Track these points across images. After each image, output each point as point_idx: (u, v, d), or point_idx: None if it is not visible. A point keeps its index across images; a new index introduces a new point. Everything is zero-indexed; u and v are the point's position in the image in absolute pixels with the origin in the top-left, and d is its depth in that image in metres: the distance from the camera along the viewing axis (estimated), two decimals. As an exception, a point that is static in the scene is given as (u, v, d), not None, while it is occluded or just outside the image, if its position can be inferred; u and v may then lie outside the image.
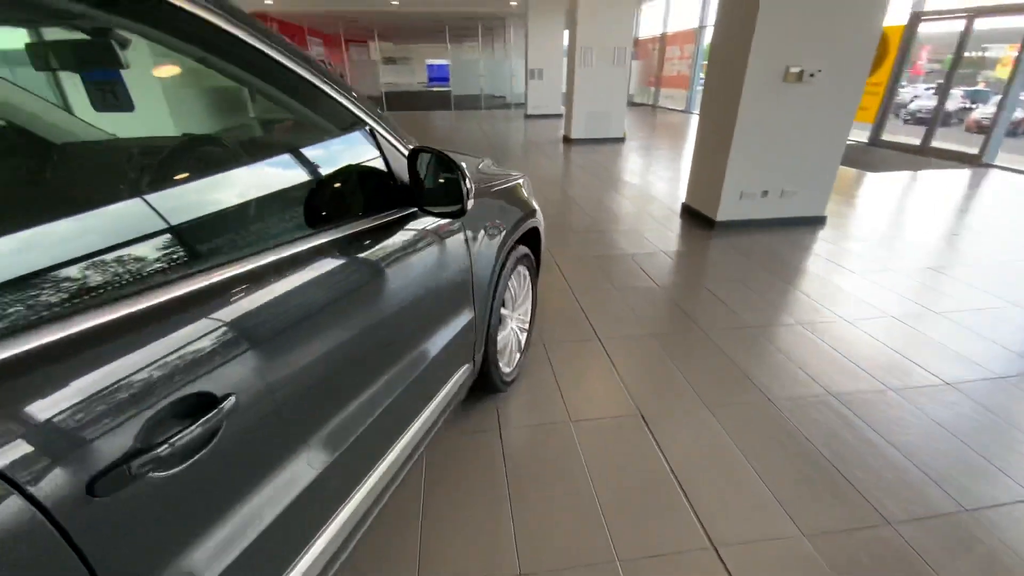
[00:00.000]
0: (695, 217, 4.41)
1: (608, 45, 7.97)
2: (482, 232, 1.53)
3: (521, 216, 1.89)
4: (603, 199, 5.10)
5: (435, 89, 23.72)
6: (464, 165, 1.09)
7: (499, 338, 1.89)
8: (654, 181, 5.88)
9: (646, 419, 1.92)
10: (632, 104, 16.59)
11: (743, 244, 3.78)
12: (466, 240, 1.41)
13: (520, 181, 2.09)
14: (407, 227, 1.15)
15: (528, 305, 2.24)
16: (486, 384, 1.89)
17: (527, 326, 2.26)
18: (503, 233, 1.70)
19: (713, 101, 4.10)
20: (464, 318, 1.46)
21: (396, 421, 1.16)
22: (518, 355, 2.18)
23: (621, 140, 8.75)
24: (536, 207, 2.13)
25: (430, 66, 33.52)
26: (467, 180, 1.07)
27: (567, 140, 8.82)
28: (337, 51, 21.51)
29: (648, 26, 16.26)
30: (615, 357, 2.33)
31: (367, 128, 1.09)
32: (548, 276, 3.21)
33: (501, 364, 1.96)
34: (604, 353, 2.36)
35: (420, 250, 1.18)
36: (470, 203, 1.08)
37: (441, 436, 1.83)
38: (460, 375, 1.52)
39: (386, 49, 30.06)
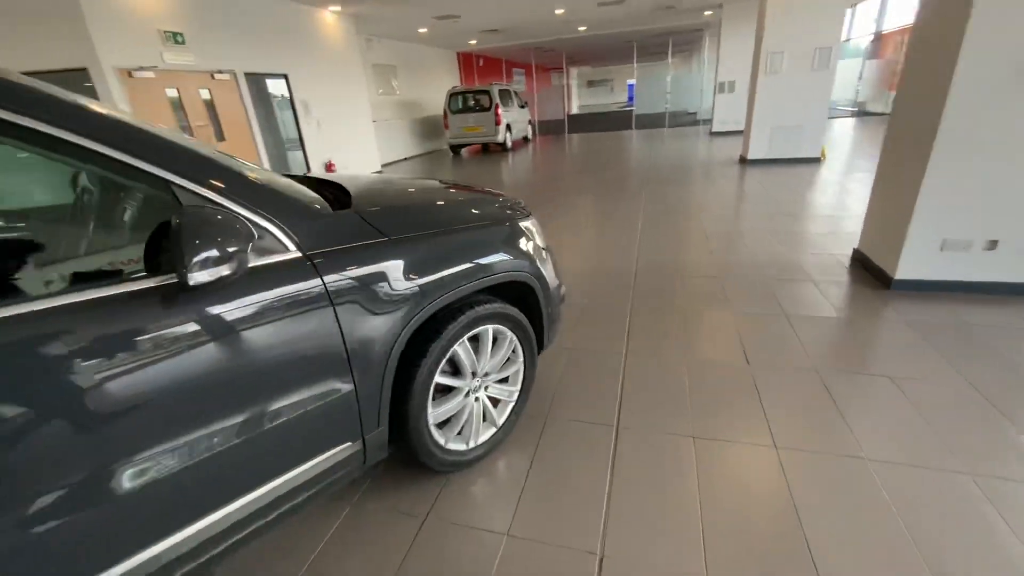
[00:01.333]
0: (867, 271, 3.18)
1: (806, 47, 6.51)
2: (376, 287, 1.29)
3: (484, 266, 1.58)
4: (749, 237, 4.12)
5: (618, 109, 23.24)
6: (194, 220, 0.91)
7: (441, 411, 1.62)
8: (834, 217, 4.51)
9: (603, 564, 1.38)
10: (861, 114, 13.39)
11: (929, 318, 2.54)
12: (329, 299, 1.20)
13: (520, 225, 1.77)
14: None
15: (517, 371, 1.88)
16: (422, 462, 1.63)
17: (512, 397, 1.89)
18: (437, 287, 1.42)
19: (905, 109, 2.90)
20: (332, 393, 1.25)
21: (184, 501, 1.03)
22: (492, 430, 1.84)
23: (816, 161, 7.05)
24: (528, 254, 1.77)
25: (631, 85, 33.29)
26: (188, 238, 0.88)
27: (743, 161, 7.53)
28: (539, 78, 23.10)
29: (900, 15, 12.90)
30: (621, 458, 1.77)
31: (163, 182, 0.98)
32: (607, 329, 2.69)
33: (446, 442, 1.66)
34: (610, 449, 1.82)
35: (228, 314, 1.03)
36: (195, 276, 0.88)
37: (367, 508, 1.64)
38: (334, 454, 1.31)
39: (585, 73, 30.97)
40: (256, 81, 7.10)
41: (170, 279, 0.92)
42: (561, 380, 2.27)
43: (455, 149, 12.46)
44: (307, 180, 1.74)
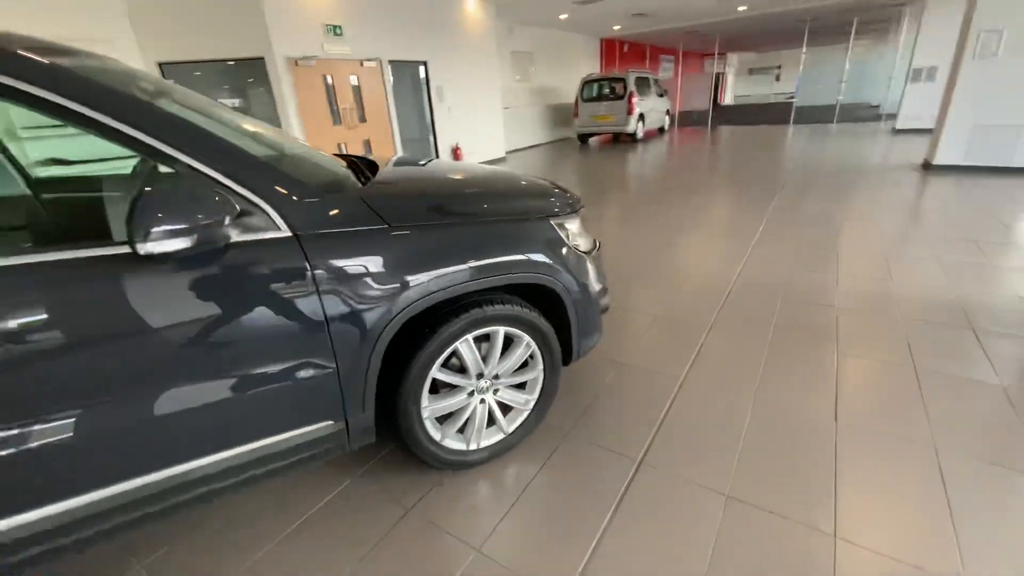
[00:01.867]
0: (1069, 327, 2.32)
1: (1043, 21, 4.93)
2: (366, 275, 1.28)
3: (493, 265, 1.48)
4: (900, 263, 3.30)
5: (783, 100, 20.30)
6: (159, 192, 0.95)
7: (440, 407, 1.58)
8: (1044, 247, 3.38)
9: (562, 617, 1.22)
10: None
11: None
12: (315, 282, 1.21)
13: (551, 223, 1.63)
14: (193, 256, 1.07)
15: (535, 379, 1.75)
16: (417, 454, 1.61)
17: (527, 406, 1.77)
18: (434, 282, 1.37)
19: None
20: (312, 371, 1.27)
21: (145, 452, 1.14)
22: (500, 436, 1.75)
23: (1040, 172, 5.36)
24: (555, 256, 1.62)
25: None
26: (142, 209, 0.92)
27: (927, 167, 6.07)
28: (691, 65, 21.45)
29: None
30: (631, 500, 1.55)
31: (165, 155, 1.07)
32: (671, 348, 2.38)
33: (441, 438, 1.62)
34: (623, 486, 1.60)
35: (193, 284, 1.08)
36: (145, 247, 0.92)
37: (364, 484, 1.69)
38: (314, 430, 1.35)
39: (747, 59, 27.81)
40: (398, 68, 7.72)
41: (123, 248, 1.00)
42: (599, 396, 2.07)
43: (583, 138, 12.19)
44: (347, 159, 1.81)
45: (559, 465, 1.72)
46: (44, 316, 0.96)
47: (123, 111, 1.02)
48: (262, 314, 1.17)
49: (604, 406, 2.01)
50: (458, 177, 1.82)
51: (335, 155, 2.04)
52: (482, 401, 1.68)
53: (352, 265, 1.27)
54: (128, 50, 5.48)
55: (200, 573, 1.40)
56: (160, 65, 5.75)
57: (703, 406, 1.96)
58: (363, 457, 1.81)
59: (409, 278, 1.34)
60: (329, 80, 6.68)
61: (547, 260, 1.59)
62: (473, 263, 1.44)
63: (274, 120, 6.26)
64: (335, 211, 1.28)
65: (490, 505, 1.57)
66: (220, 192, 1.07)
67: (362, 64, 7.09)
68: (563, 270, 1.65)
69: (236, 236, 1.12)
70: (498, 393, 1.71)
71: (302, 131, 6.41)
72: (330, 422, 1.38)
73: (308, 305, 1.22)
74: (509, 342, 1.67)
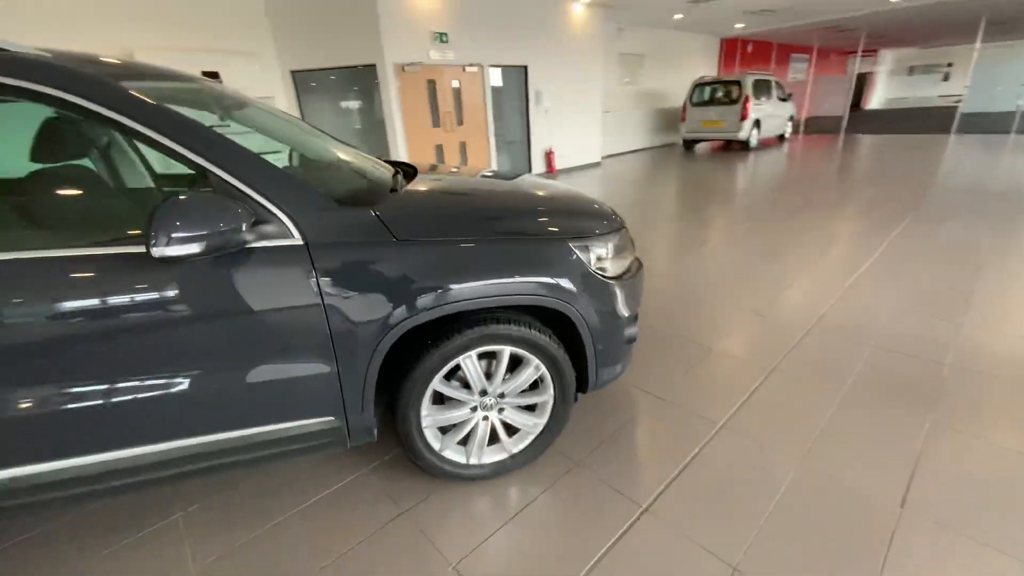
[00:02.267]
0: None
1: None
2: (369, 286, 1.34)
3: (500, 285, 1.46)
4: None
5: (950, 104, 17.00)
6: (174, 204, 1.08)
7: (441, 418, 1.61)
8: None
9: (513, 659, 1.17)
10: None
11: None
12: (319, 289, 1.30)
13: (572, 245, 1.57)
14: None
15: (545, 403, 1.70)
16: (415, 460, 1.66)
17: (534, 429, 1.72)
18: (436, 298, 1.40)
19: None
20: (314, 369, 1.37)
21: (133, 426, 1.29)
22: (503, 455, 1.73)
23: None
24: (571, 280, 1.55)
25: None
26: (160, 217, 1.05)
27: None
28: (830, 64, 19.16)
29: None
30: (622, 550, 1.43)
31: (199, 168, 1.22)
32: (718, 389, 2.15)
33: (441, 448, 1.65)
34: (618, 532, 1.49)
35: (207, 282, 1.21)
36: (160, 251, 1.05)
37: (370, 479, 1.78)
38: (315, 423, 1.45)
39: (906, 57, 23.93)
40: (500, 72, 7.92)
41: (140, 249, 1.15)
42: (621, 429, 1.95)
43: (688, 144, 11.49)
44: (395, 167, 1.92)
45: (558, 496, 1.65)
46: (72, 306, 1.14)
47: (161, 124, 1.17)
48: (268, 316, 1.28)
49: (624, 441, 1.89)
50: (485, 194, 1.83)
51: (388, 161, 2.16)
52: (485, 418, 1.67)
53: (356, 276, 1.34)
54: (269, 61, 6.32)
55: (220, 532, 1.58)
56: (293, 73, 6.55)
57: (734, 461, 1.75)
58: (380, 450, 1.90)
59: (409, 292, 1.38)
60: (432, 85, 7.08)
61: (559, 283, 1.53)
62: (476, 282, 1.44)
63: (380, 122, 6.80)
64: (347, 223, 1.35)
65: (479, 523, 1.56)
66: (241, 201, 1.20)
67: (464, 69, 7.40)
68: (579, 295, 1.57)
69: (251, 241, 1.24)
70: (503, 412, 1.69)
71: (403, 133, 6.87)
72: (331, 418, 1.47)
73: (312, 311, 1.31)
74: (519, 362, 1.64)
